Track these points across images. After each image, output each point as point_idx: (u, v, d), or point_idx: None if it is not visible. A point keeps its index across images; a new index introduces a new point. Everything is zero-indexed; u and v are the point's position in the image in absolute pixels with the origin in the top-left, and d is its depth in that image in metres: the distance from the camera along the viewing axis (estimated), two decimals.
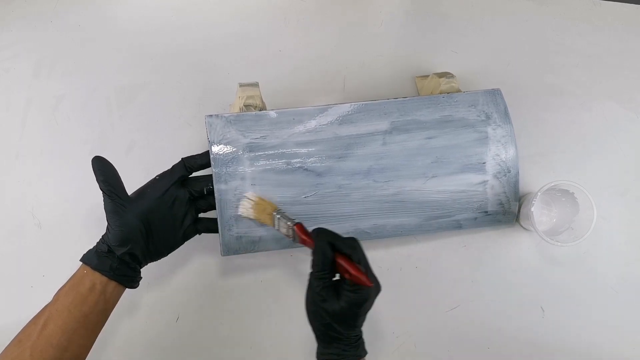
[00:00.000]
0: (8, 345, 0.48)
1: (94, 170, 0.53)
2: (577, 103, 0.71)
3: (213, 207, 0.59)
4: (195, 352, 0.64)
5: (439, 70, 0.69)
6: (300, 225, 0.52)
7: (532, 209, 0.60)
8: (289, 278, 0.66)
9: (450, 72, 0.66)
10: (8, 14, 0.75)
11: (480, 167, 0.61)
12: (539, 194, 0.60)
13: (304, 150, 0.59)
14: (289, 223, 0.53)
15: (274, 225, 0.56)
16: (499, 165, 0.61)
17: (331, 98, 0.71)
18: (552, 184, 0.60)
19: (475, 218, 0.62)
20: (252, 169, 0.59)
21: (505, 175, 0.62)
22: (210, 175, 0.59)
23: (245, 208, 0.58)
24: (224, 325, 0.65)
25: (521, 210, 0.65)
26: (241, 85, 0.62)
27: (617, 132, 0.70)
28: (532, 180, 0.68)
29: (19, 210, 0.68)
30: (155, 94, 0.72)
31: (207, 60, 0.73)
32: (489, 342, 0.64)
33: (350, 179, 0.60)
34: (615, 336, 0.65)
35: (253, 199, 0.58)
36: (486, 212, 0.62)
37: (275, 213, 0.56)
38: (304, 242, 0.52)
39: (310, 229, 0.53)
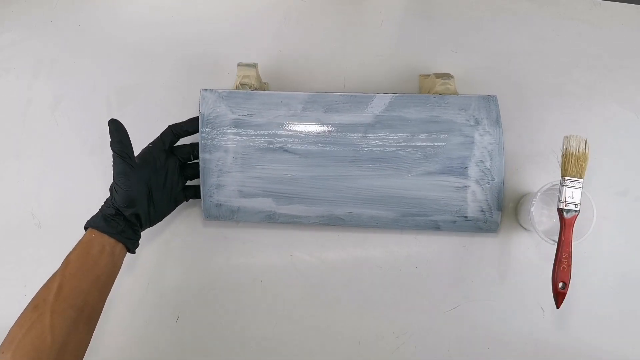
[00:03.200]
0: (22, 314, 0.48)
1: (110, 131, 0.55)
2: (577, 103, 0.71)
3: (198, 175, 0.63)
4: (195, 352, 0.64)
5: (438, 70, 0.69)
6: None
7: (532, 209, 0.60)
8: (289, 278, 0.66)
9: (450, 72, 0.66)
10: (8, 14, 0.75)
11: (462, 172, 0.61)
12: (538, 194, 0.60)
13: (286, 132, 0.61)
14: None
15: None
16: (483, 172, 0.61)
17: None
18: (552, 184, 0.60)
19: (454, 221, 0.62)
20: (236, 143, 0.61)
21: (488, 182, 0.61)
22: (195, 143, 0.63)
23: None
24: (223, 325, 0.65)
25: (521, 210, 0.65)
26: (240, 64, 0.65)
27: (617, 132, 0.70)
28: (532, 180, 0.68)
29: (19, 210, 0.68)
30: (155, 93, 0.72)
31: (206, 60, 0.73)
32: (489, 342, 0.64)
33: (329, 165, 0.61)
34: (616, 336, 0.65)
35: None
36: (466, 217, 0.62)
37: None
38: None
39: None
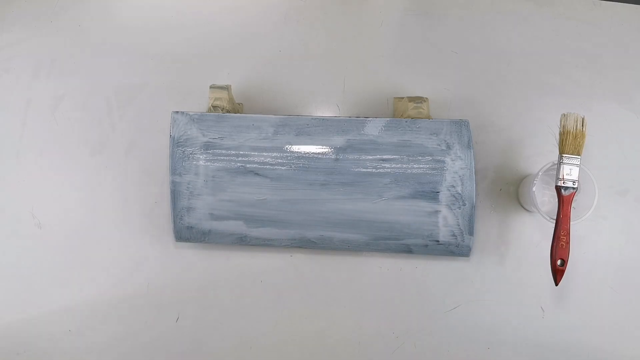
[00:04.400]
0: None
1: None
2: (577, 103, 0.71)
3: None
4: (195, 352, 0.64)
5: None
6: None
7: (534, 189, 0.60)
8: (289, 278, 0.66)
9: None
10: (8, 14, 0.75)
11: (433, 196, 0.60)
12: (539, 173, 0.60)
13: (257, 155, 0.61)
14: None
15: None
16: (454, 196, 0.60)
17: (331, 98, 0.71)
18: (553, 163, 0.60)
19: (426, 245, 0.62)
20: (207, 166, 0.61)
21: (459, 207, 0.60)
22: None
23: None
24: (224, 325, 0.65)
25: (523, 191, 0.65)
26: (211, 87, 0.64)
27: (617, 132, 0.70)
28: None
29: (19, 210, 0.68)
30: (155, 94, 0.72)
31: (206, 60, 0.73)
32: (489, 342, 0.64)
33: (299, 188, 0.61)
34: (616, 336, 0.65)
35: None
36: (437, 241, 0.62)
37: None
38: None
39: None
